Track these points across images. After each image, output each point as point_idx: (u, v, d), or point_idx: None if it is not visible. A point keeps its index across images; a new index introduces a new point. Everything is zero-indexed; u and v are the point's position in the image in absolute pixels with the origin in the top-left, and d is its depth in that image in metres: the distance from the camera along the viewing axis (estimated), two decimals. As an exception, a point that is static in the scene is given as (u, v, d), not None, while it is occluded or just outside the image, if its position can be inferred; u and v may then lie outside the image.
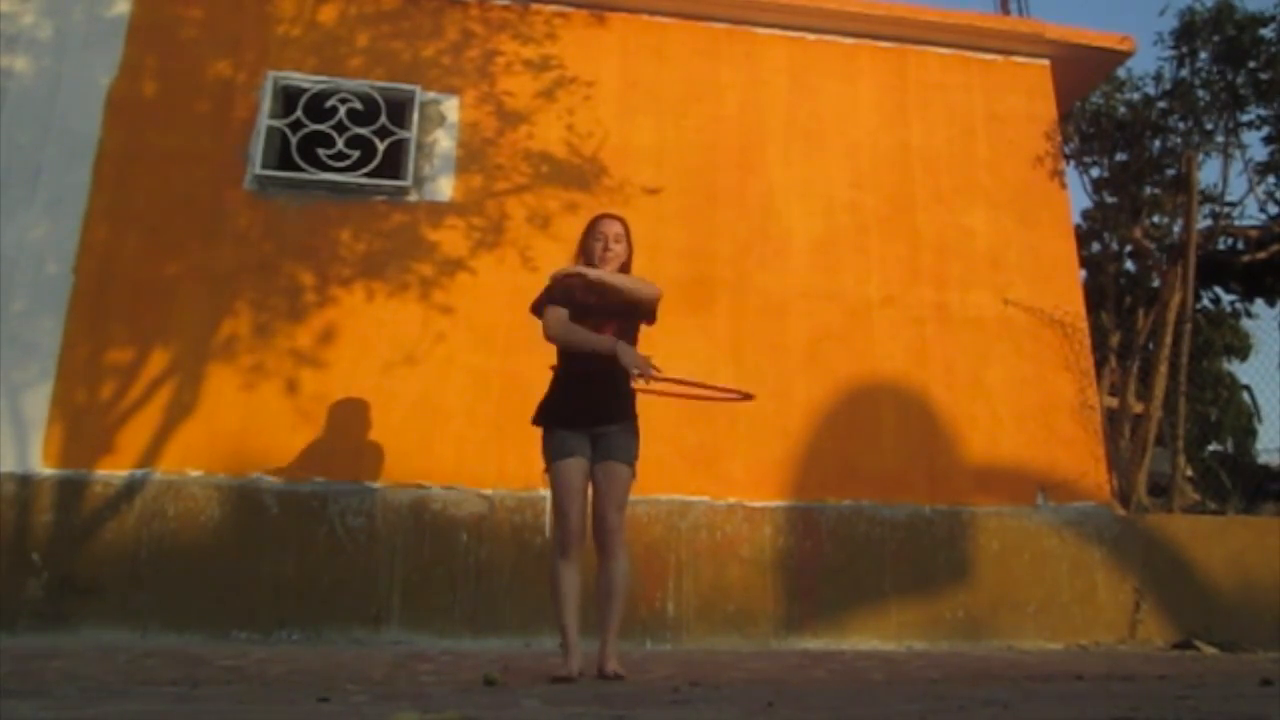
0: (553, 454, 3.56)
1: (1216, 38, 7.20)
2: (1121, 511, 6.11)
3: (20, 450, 5.00)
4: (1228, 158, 7.52)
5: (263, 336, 5.36)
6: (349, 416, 5.29)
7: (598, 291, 3.68)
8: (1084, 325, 6.24)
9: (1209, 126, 7.43)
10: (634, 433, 3.66)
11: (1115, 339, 8.00)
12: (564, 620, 3.49)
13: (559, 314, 3.66)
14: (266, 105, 5.70)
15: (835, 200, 6.22)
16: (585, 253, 3.78)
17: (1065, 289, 6.30)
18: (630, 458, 3.61)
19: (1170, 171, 7.71)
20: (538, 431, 3.67)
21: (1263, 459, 10.32)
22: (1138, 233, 7.80)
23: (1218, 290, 9.75)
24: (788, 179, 6.21)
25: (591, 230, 3.81)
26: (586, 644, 3.52)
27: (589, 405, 3.59)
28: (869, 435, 5.79)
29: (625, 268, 3.80)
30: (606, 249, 3.73)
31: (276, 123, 5.72)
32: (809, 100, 6.41)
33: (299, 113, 5.74)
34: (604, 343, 3.58)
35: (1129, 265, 8.98)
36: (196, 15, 5.87)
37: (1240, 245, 8.37)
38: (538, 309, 3.77)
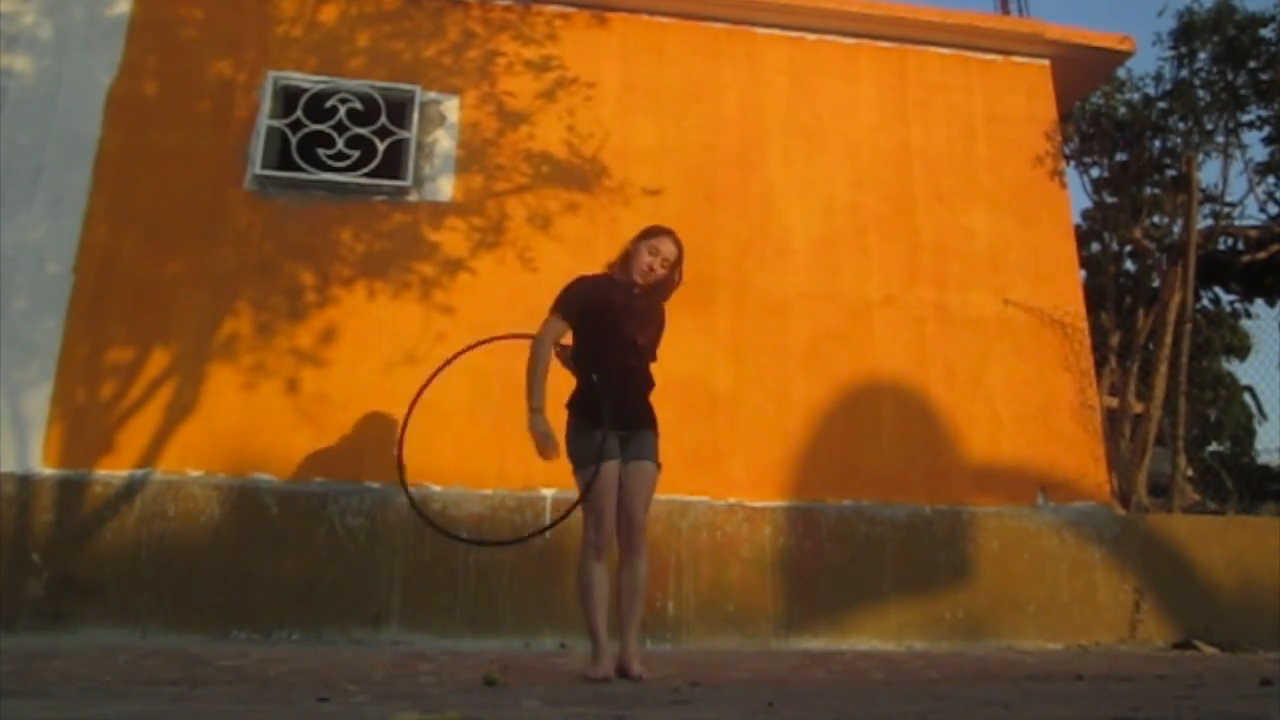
0: (594, 454, 3.48)
1: (1216, 38, 7.20)
2: (1121, 511, 6.11)
3: (20, 450, 5.00)
4: (1228, 158, 7.53)
5: (263, 336, 5.36)
6: (349, 416, 5.29)
7: (628, 291, 3.70)
8: (1084, 325, 6.24)
9: (1209, 126, 7.43)
10: (658, 435, 3.70)
11: (1115, 339, 7.99)
12: (596, 622, 3.47)
13: (553, 330, 3.67)
14: (266, 105, 5.70)
15: (835, 200, 6.22)
16: (631, 258, 3.73)
17: (1065, 289, 6.30)
18: (658, 458, 3.65)
19: (1170, 171, 7.72)
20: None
21: (1263, 459, 10.31)
22: (1138, 233, 7.79)
23: (1217, 290, 9.75)
24: (788, 179, 6.21)
25: (648, 239, 3.74)
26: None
27: (628, 406, 3.60)
28: (869, 435, 5.79)
29: (662, 293, 3.78)
30: (652, 269, 3.69)
31: (276, 123, 5.72)
32: (809, 100, 6.41)
33: (299, 113, 5.74)
34: (533, 400, 3.55)
35: (1129, 265, 8.99)
36: (196, 15, 5.87)
37: (1240, 245, 8.36)
38: (554, 308, 3.74)
